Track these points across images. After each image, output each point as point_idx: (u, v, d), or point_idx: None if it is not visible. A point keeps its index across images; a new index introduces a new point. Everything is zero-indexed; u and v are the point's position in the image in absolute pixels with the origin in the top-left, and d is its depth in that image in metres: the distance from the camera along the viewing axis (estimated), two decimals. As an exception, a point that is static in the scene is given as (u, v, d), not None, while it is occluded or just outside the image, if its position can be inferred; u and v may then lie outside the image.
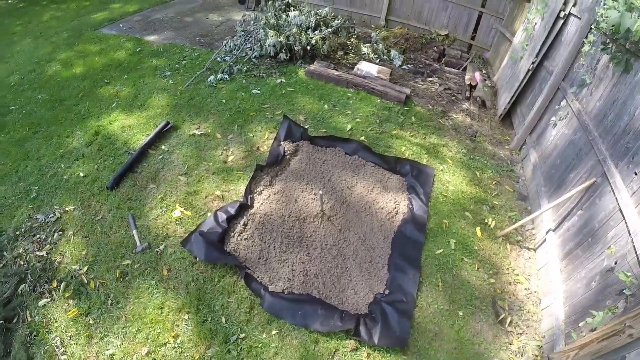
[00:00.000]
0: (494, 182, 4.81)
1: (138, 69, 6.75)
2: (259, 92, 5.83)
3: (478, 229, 4.18)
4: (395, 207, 4.14)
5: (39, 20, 10.08)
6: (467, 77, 6.71)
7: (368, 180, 4.40)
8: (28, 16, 10.59)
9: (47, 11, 10.84)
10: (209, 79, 6.07)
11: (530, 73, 5.37)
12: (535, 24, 5.53)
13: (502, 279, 3.79)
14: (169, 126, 5.10)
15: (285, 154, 4.56)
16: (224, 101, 5.65)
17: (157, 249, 3.77)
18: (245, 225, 3.78)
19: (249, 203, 3.97)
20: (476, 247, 4.01)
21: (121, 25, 8.81)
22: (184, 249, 3.71)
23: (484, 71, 7.14)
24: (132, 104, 5.79)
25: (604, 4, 3.53)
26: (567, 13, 4.70)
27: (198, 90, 5.98)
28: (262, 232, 3.73)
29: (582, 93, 4.00)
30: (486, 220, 4.30)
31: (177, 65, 6.74)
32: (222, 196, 4.20)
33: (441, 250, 3.91)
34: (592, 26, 3.94)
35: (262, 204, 3.99)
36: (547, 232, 3.82)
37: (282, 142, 4.67)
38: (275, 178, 4.32)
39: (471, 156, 5.12)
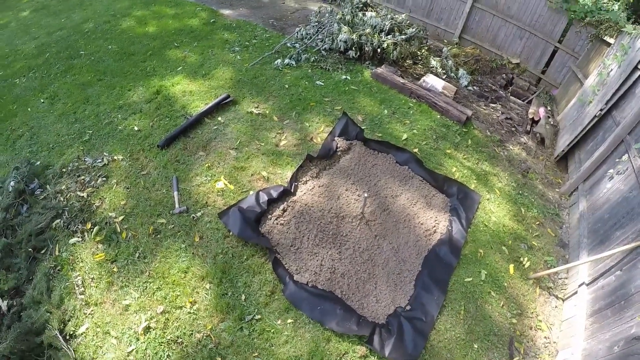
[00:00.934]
0: (537, 223, 4.74)
1: (209, 39, 7.02)
2: (322, 84, 5.96)
3: (512, 266, 4.17)
4: (435, 226, 4.19)
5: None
6: (531, 110, 6.55)
7: (413, 193, 4.46)
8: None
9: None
10: (276, 62, 6.26)
11: (596, 120, 5.19)
12: (611, 70, 5.32)
13: (524, 321, 3.76)
14: (229, 99, 5.31)
15: (337, 150, 4.68)
16: (286, 86, 5.82)
17: (194, 215, 3.95)
18: (284, 210, 3.95)
19: (292, 190, 4.13)
20: (506, 284, 4.00)
21: (200, -6, 9.12)
22: (219, 221, 3.85)
23: (549, 108, 6.92)
24: (197, 71, 6.06)
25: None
26: (646, 65, 4.51)
27: (263, 70, 6.17)
28: (299, 221, 3.88)
29: (646, 151, 3.84)
30: (521, 259, 4.27)
31: (247, 43, 6.96)
32: (268, 178, 4.37)
33: (470, 279, 3.93)
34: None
35: (305, 193, 4.14)
36: (579, 285, 3.75)
37: (336, 138, 4.79)
38: (323, 171, 4.46)
39: (520, 191, 5.05)
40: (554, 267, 4.24)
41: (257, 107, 5.38)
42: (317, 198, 4.13)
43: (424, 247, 4.00)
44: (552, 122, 6.36)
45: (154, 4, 8.42)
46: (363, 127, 5.17)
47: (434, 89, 6.11)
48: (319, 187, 4.26)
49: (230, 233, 3.77)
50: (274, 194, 4.01)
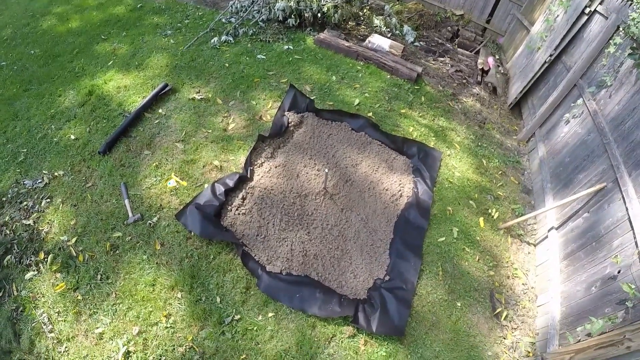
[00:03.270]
0: (500, 172, 4.68)
1: (138, 26, 6.27)
2: (264, 57, 5.48)
3: (481, 219, 4.09)
4: (400, 190, 3.98)
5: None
6: (479, 60, 6.45)
7: (373, 159, 4.21)
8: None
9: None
10: (212, 41, 5.68)
11: (546, 65, 5.20)
12: (558, 16, 5.29)
13: (501, 272, 3.75)
14: (167, 88, 4.77)
15: (289, 125, 4.31)
16: (227, 65, 5.29)
17: (150, 221, 3.55)
18: (243, 199, 3.58)
19: (248, 175, 3.75)
20: (478, 238, 3.94)
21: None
22: (178, 223, 3.50)
23: (497, 57, 6.88)
24: (130, 62, 5.39)
25: (638, 8, 3.33)
26: (592, 10, 4.50)
27: (200, 51, 5.58)
28: (261, 207, 3.54)
29: (600, 94, 3.85)
30: (490, 211, 4.20)
31: (179, 24, 6.28)
32: (221, 167, 3.97)
33: (444, 239, 3.81)
34: (621, 28, 3.77)
35: (262, 177, 3.78)
36: (549, 230, 3.76)
37: (286, 113, 4.41)
38: (277, 150, 4.09)
39: (479, 143, 4.96)
40: (522, 214, 4.23)
41: (199, 92, 4.86)
42: (275, 180, 3.78)
43: (392, 213, 3.79)
44: (502, 71, 6.31)
45: (74, -4, 7.38)
46: (312, 98, 4.81)
47: (380, 48, 5.81)
48: (276, 167, 3.90)
49: (192, 234, 3.44)
50: (230, 183, 3.63)
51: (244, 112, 4.58)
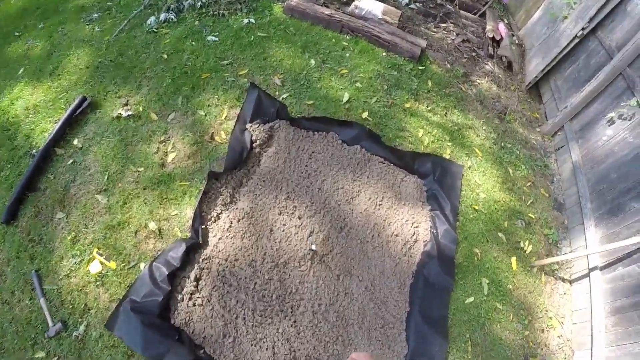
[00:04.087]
0: (529, 184, 3.72)
1: (59, 12, 4.46)
2: (216, 39, 3.92)
3: (514, 260, 3.18)
4: (414, 233, 2.92)
5: None
6: (488, 27, 5.17)
7: (375, 186, 3.06)
8: None
9: None
10: (149, 21, 4.03)
11: (577, 41, 4.12)
12: None
13: (535, 325, 2.96)
14: (85, 104, 3.30)
15: (254, 145, 3.01)
16: (165, 56, 3.74)
17: (75, 332, 2.36)
18: (197, 280, 2.39)
19: (200, 239, 2.50)
20: (511, 287, 3.07)
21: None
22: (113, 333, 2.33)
23: (507, 21, 5.60)
24: (44, 67, 3.76)
25: None
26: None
27: (131, 40, 3.96)
28: (224, 292, 2.37)
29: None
30: (522, 244, 3.31)
31: (109, 3, 4.49)
32: (160, 230, 2.70)
33: (472, 299, 2.88)
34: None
35: (220, 239, 2.56)
36: (591, 270, 3.01)
37: (248, 126, 3.08)
38: (238, 190, 2.83)
39: (502, 144, 3.90)
40: (556, 242, 3.45)
41: (126, 105, 3.39)
42: (239, 242, 2.58)
43: (406, 272, 2.74)
44: (516, 41, 5.09)
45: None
46: (284, 95, 3.48)
47: (371, 16, 4.40)
48: (239, 220, 2.68)
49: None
50: (176, 262, 2.39)
51: (187, 131, 3.18)
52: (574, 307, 3.12)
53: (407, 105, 3.76)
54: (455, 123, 3.85)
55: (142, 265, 2.55)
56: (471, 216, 3.24)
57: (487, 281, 2.98)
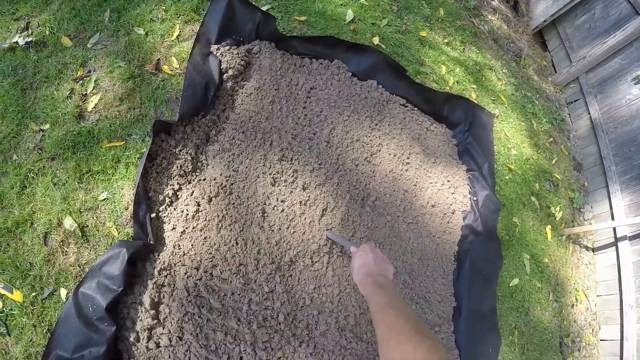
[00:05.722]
0: (550, 140, 3.23)
1: None
2: None
3: (548, 229, 2.70)
4: (452, 201, 2.18)
5: None
6: (492, -47, 4.37)
7: (399, 137, 2.23)
8: None
9: None
10: None
11: None
12: None
13: (567, 301, 2.61)
14: None
15: (224, 76, 1.93)
16: None
17: None
18: (155, 307, 1.38)
19: (151, 239, 1.46)
20: (546, 260, 2.65)
21: None
22: None
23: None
24: None
25: None
26: None
27: None
28: (202, 321, 1.41)
29: None
30: (552, 210, 2.85)
31: None
32: (82, 230, 1.56)
33: (516, 281, 2.33)
34: None
35: (183, 233, 1.54)
36: (619, 239, 2.75)
37: (214, 48, 1.94)
38: (204, 150, 1.77)
39: (522, 91, 3.32)
40: (579, 206, 3.05)
41: (27, 29, 1.97)
42: (215, 235, 1.58)
43: (447, 254, 2.03)
44: (523, -28, 4.37)
45: None
46: (265, 7, 2.37)
47: None
48: (210, 200, 1.65)
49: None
50: (115, 282, 1.33)
51: (119, 60, 1.94)
52: (598, 278, 2.87)
53: (423, 34, 2.88)
54: (475, 62, 3.09)
55: (62, 291, 1.46)
56: (507, 177, 2.60)
57: (528, 257, 2.45)
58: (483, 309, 1.97)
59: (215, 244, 1.53)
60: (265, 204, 1.73)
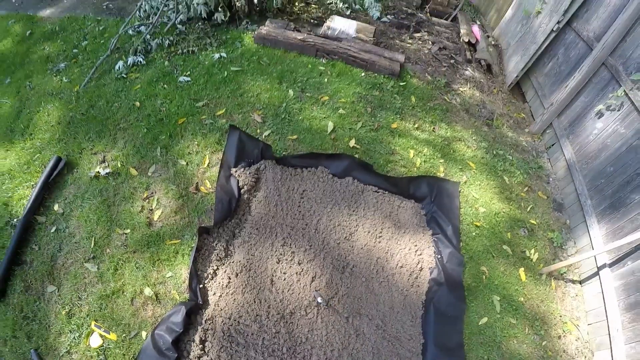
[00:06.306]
0: (526, 189, 3.67)
1: (25, 65, 4.31)
2: (188, 79, 3.85)
3: (521, 271, 3.12)
4: (419, 261, 2.84)
5: None
6: (462, 31, 5.19)
7: (372, 217, 2.99)
8: None
9: None
10: (117, 67, 3.91)
11: (553, 35, 4.19)
12: None
13: (551, 333, 2.91)
14: (61, 164, 3.15)
15: (241, 191, 2.93)
16: (137, 104, 3.64)
17: None
18: (203, 342, 2.28)
19: (200, 300, 2.40)
20: (522, 299, 3.02)
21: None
22: None
23: (479, 23, 5.63)
24: (14, 127, 3.61)
25: None
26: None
27: (101, 88, 3.85)
28: (232, 351, 2.28)
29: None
30: (527, 253, 3.26)
31: (74, 50, 4.37)
32: (156, 295, 2.58)
33: (485, 320, 2.80)
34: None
35: (220, 296, 2.46)
36: (600, 268, 2.98)
37: (233, 171, 2.99)
38: (231, 242, 2.73)
39: (494, 151, 3.87)
40: (560, 244, 3.41)
41: (104, 162, 3.26)
42: (241, 297, 2.48)
43: (416, 303, 2.67)
44: (492, 42, 5.10)
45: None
46: (267, 133, 3.41)
47: (345, 35, 4.37)
48: (237, 275, 2.57)
49: None
50: (178, 326, 2.27)
51: (171, 184, 3.07)
52: (587, 308, 3.08)
53: (394, 125, 3.71)
54: (444, 138, 3.80)
55: (143, 333, 2.44)
56: (474, 234, 3.18)
57: (498, 298, 2.91)
58: (450, 345, 2.53)
59: (240, 303, 2.43)
60: (273, 275, 2.59)
